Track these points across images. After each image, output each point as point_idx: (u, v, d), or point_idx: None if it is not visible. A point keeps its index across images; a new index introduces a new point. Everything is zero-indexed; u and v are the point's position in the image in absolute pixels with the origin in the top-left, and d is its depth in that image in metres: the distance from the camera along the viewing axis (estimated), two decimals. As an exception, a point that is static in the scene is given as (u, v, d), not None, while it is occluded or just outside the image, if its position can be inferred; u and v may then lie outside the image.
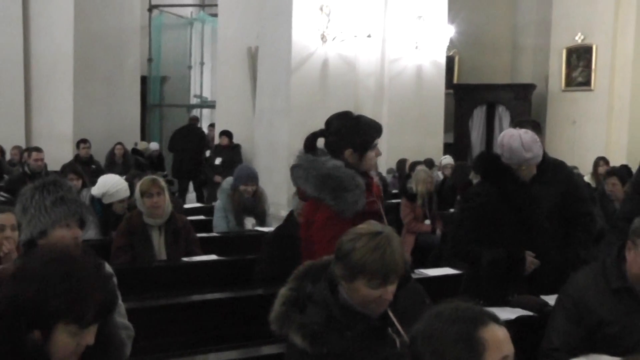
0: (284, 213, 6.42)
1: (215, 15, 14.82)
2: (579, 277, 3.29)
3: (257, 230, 6.42)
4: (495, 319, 1.84)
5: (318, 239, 3.55)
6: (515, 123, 4.88)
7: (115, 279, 2.26)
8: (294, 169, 3.68)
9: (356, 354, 2.46)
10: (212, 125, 14.36)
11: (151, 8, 17.07)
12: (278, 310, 2.52)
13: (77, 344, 2.03)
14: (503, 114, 13.79)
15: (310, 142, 3.69)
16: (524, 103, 13.77)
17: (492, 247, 4.04)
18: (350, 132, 3.65)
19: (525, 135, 4.10)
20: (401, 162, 10.63)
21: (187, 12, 18.24)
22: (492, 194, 4.12)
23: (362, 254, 2.44)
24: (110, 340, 2.23)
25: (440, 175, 9.86)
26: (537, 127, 4.59)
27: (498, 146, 4.23)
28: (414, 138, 11.33)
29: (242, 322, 4.12)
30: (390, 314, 2.53)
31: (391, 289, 2.48)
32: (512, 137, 4.09)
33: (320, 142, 3.73)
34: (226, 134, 11.57)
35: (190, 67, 18.31)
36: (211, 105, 16.22)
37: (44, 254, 2.15)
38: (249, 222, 6.62)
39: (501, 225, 4.04)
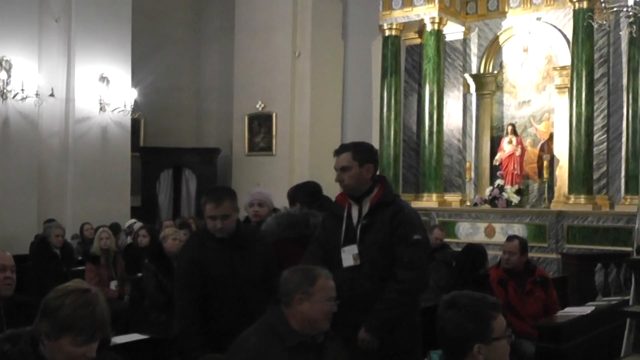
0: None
1: None
2: (249, 343, 3.01)
3: None
4: None
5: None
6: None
7: None
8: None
9: None
10: None
11: None
12: None
13: None
14: (190, 177, 14.02)
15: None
16: (209, 167, 14.14)
17: None
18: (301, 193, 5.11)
19: None
20: (82, 227, 10.25)
21: None
22: None
23: (71, 310, 2.36)
24: None
25: (127, 240, 9.67)
26: None
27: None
28: (100, 201, 11.10)
29: None
30: None
31: (94, 346, 2.43)
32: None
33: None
34: None
35: None
36: None
37: None
38: None
39: None
